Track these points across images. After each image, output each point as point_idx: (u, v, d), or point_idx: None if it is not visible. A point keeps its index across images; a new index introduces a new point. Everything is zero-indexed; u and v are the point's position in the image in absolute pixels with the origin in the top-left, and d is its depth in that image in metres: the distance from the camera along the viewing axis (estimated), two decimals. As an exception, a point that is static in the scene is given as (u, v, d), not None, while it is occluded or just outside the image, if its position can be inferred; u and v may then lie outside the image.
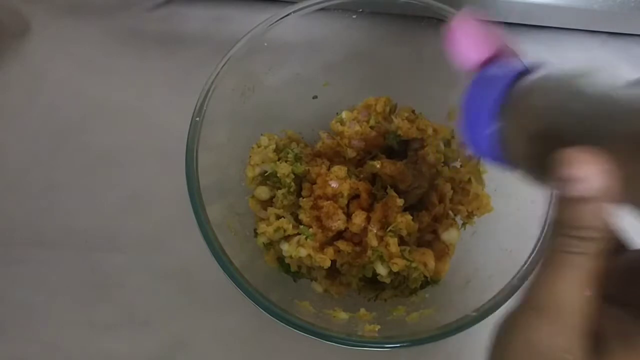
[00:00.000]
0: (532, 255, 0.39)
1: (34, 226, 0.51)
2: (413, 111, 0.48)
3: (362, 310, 0.41)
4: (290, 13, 0.43)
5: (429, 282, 0.44)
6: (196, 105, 0.41)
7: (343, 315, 0.41)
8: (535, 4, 0.52)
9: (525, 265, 0.38)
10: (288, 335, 0.44)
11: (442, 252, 0.44)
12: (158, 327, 0.48)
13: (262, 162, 0.46)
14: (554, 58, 0.57)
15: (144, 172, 0.52)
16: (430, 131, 0.46)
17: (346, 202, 0.44)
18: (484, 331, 0.38)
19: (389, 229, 0.42)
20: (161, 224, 0.51)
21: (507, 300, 0.37)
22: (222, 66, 0.42)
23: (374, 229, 0.42)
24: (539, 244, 0.39)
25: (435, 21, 0.45)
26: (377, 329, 0.39)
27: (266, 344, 0.48)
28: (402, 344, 0.36)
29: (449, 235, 0.45)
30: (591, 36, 0.57)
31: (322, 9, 0.44)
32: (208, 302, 0.49)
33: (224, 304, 0.49)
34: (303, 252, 0.42)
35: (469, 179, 0.45)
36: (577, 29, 0.57)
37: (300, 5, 0.43)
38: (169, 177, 0.46)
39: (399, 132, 0.46)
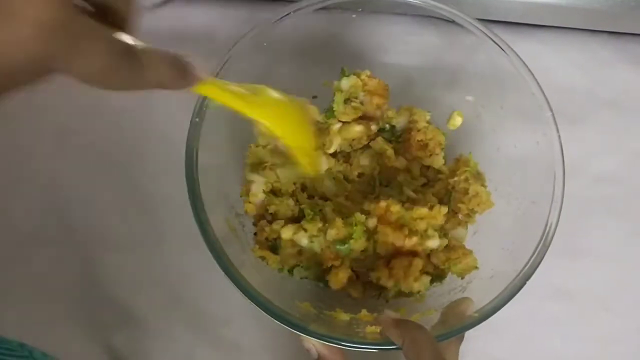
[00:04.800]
0: (533, 256, 0.39)
1: (34, 226, 0.51)
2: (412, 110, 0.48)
3: (364, 312, 0.41)
4: (290, 12, 0.43)
5: (434, 278, 0.44)
6: (196, 106, 0.41)
7: (344, 317, 0.41)
8: (535, 3, 0.52)
9: (527, 266, 0.38)
10: (287, 335, 0.44)
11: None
12: (158, 327, 0.48)
13: (260, 162, 0.46)
14: (555, 58, 0.57)
15: (144, 172, 0.52)
16: (424, 120, 0.46)
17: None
18: (485, 332, 0.38)
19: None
20: (161, 224, 0.51)
21: (508, 302, 0.37)
22: (222, 66, 0.42)
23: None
24: (540, 245, 0.39)
25: (435, 20, 0.45)
26: (378, 330, 0.39)
27: (266, 343, 0.48)
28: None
29: (458, 233, 0.45)
30: (592, 36, 0.57)
31: (322, 9, 0.44)
32: (208, 302, 0.49)
33: (224, 304, 0.49)
34: (315, 245, 0.42)
35: (466, 178, 0.45)
36: (577, 29, 0.57)
37: (300, 4, 0.43)
38: (169, 177, 0.46)
39: (393, 121, 0.46)
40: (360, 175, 0.48)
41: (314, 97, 0.49)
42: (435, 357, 0.32)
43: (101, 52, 0.20)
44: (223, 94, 0.30)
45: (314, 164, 0.38)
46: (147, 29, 0.60)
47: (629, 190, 0.53)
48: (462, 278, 0.43)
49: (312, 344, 0.39)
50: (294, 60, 0.47)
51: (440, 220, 0.42)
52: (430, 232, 0.42)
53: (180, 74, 0.25)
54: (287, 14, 0.43)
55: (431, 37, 0.47)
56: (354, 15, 0.46)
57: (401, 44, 0.50)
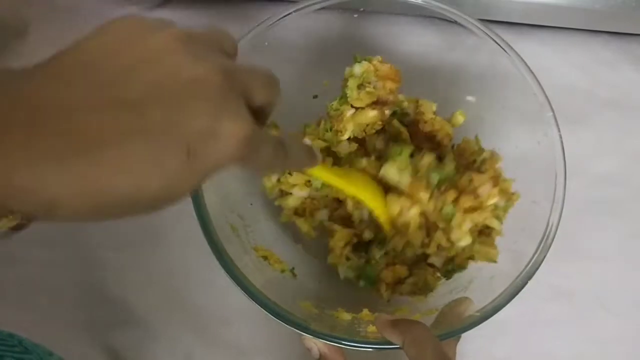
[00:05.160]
0: (535, 256, 0.39)
1: (34, 226, 0.51)
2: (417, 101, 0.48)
3: (365, 311, 0.41)
4: (291, 12, 0.43)
5: (454, 270, 0.44)
6: None
7: (346, 316, 0.41)
8: (536, 3, 0.52)
9: (528, 266, 0.38)
10: (287, 335, 0.43)
11: None
12: (158, 327, 0.48)
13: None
14: (556, 58, 0.57)
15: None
16: (431, 111, 0.46)
17: None
18: (485, 332, 0.38)
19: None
20: (162, 224, 0.51)
21: (509, 301, 0.37)
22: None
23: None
24: (541, 245, 0.39)
25: (436, 21, 0.45)
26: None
27: (266, 343, 0.48)
28: None
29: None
30: (593, 36, 0.57)
31: (322, 8, 0.44)
32: (208, 302, 0.49)
33: (224, 304, 0.49)
34: None
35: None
36: (579, 29, 0.57)
37: (301, 4, 0.43)
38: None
39: (404, 105, 0.46)
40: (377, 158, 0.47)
41: (315, 96, 0.49)
42: (437, 352, 0.32)
43: (268, 153, 0.27)
44: (328, 175, 0.38)
45: (386, 215, 0.43)
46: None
47: (629, 191, 0.53)
48: (466, 268, 0.43)
49: (314, 342, 0.39)
50: (294, 60, 0.47)
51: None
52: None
53: (309, 160, 0.33)
54: (288, 14, 0.43)
55: (432, 38, 0.47)
56: (355, 15, 0.46)
57: (402, 45, 0.50)
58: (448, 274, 0.44)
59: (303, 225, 0.46)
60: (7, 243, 0.50)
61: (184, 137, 0.22)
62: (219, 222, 0.39)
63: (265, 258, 0.43)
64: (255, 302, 0.36)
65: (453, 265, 0.44)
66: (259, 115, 0.27)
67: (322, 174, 0.38)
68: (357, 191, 0.41)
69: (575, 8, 0.52)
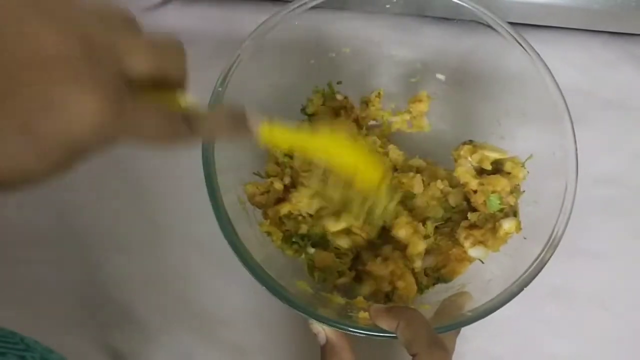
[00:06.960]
0: (534, 265, 0.38)
1: (34, 226, 0.51)
2: None
3: (359, 298, 0.41)
4: (292, 10, 0.43)
5: (439, 279, 0.44)
6: (218, 80, 0.41)
7: (339, 300, 0.41)
8: (536, 3, 0.52)
9: (526, 273, 0.38)
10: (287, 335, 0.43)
11: (462, 256, 0.44)
12: (158, 327, 0.48)
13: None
14: (555, 58, 0.57)
15: (145, 171, 0.52)
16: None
17: None
18: (485, 330, 0.38)
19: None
20: (162, 224, 0.51)
21: (504, 304, 0.37)
22: (233, 63, 0.41)
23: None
24: (542, 254, 0.39)
25: (436, 19, 0.45)
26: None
27: (266, 343, 0.48)
28: (394, 335, 0.35)
29: (477, 252, 0.44)
30: (592, 36, 0.57)
31: (323, 7, 0.44)
32: (208, 302, 0.49)
33: (224, 304, 0.49)
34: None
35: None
36: (578, 29, 0.57)
37: (301, 2, 0.43)
38: (171, 177, 0.46)
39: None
40: None
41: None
42: (431, 335, 0.32)
43: (158, 125, 0.24)
44: (282, 138, 0.31)
45: (373, 176, 0.37)
46: (146, 30, 0.60)
47: (629, 191, 0.53)
48: (451, 280, 0.44)
49: (322, 328, 0.38)
50: (295, 58, 0.47)
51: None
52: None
53: (235, 127, 0.29)
54: (290, 11, 0.43)
55: (432, 37, 0.47)
56: (355, 15, 0.46)
57: (402, 44, 0.50)
58: (436, 281, 0.44)
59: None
60: (7, 243, 0.50)
61: (17, 111, 0.20)
62: (227, 192, 0.38)
63: (268, 234, 0.43)
64: (253, 274, 0.36)
65: (438, 274, 0.44)
66: (161, 84, 0.25)
67: (275, 139, 0.31)
68: (329, 151, 0.33)
69: (575, 8, 0.52)
